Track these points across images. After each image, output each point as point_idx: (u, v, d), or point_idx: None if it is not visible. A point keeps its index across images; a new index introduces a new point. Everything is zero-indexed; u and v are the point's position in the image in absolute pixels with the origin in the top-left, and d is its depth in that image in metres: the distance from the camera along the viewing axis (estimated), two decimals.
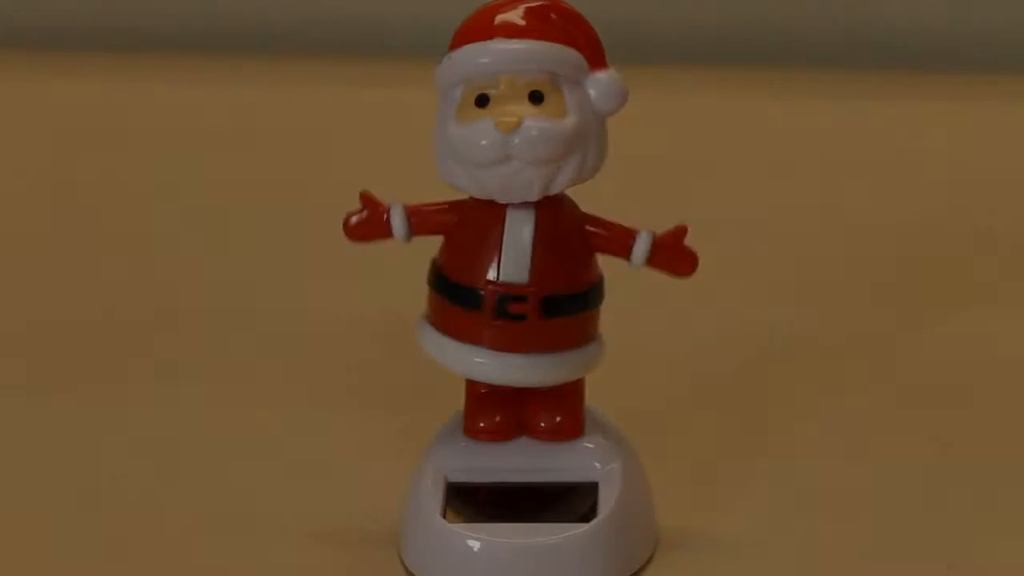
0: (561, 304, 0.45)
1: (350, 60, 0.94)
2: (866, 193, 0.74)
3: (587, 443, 0.47)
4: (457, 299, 0.45)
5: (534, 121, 0.43)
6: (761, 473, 0.51)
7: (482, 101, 0.43)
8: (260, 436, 0.54)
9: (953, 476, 0.51)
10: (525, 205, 0.44)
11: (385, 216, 0.45)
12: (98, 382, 0.59)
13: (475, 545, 0.45)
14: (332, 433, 0.54)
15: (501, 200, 0.44)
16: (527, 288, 0.44)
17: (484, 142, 0.43)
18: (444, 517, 0.45)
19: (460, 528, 0.45)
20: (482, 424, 0.47)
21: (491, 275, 0.44)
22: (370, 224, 0.46)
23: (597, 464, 0.46)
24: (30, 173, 0.81)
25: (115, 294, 0.66)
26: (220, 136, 0.85)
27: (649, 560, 0.47)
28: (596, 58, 0.44)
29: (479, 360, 0.45)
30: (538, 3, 0.44)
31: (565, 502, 0.46)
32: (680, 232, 0.45)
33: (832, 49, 0.91)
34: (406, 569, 0.46)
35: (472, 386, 0.47)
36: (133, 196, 0.77)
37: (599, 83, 0.44)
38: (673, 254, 0.45)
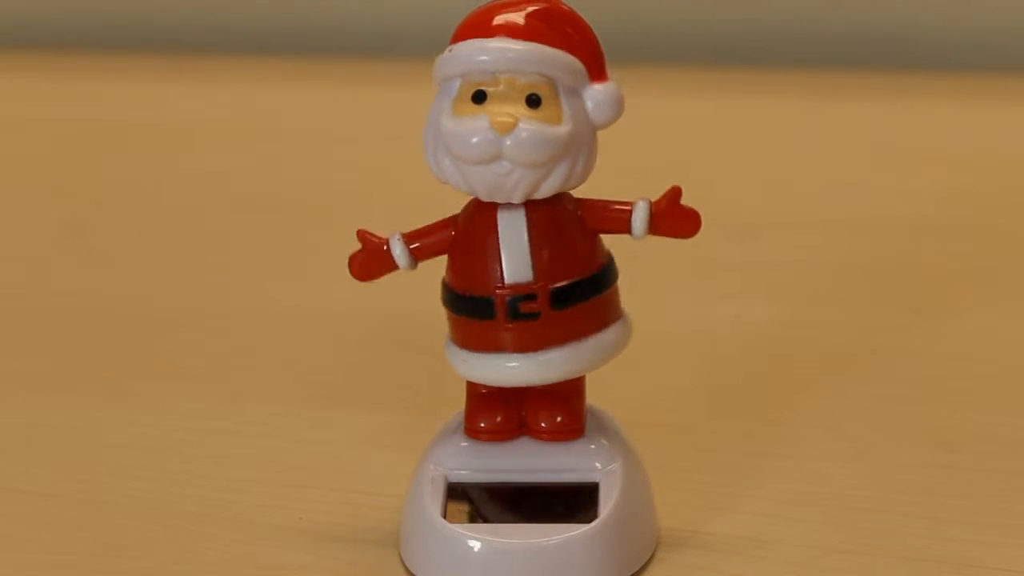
0: (571, 293, 0.44)
1: (350, 60, 0.94)
2: (866, 192, 0.74)
3: (588, 443, 0.47)
4: (471, 312, 0.45)
5: (528, 124, 0.43)
6: (761, 473, 0.51)
7: (479, 98, 0.43)
8: (260, 436, 0.54)
9: (953, 476, 0.51)
10: (514, 205, 0.44)
11: (385, 248, 0.45)
12: (97, 381, 0.59)
13: (475, 545, 0.45)
14: (332, 433, 0.54)
15: (485, 199, 0.44)
16: (534, 285, 0.44)
17: (475, 139, 0.43)
18: (444, 517, 0.45)
19: (460, 528, 0.45)
20: (482, 424, 0.47)
21: (497, 280, 0.44)
22: (373, 261, 0.46)
23: (598, 464, 0.46)
24: (29, 172, 0.81)
25: (114, 293, 0.66)
26: (220, 136, 0.85)
27: (649, 560, 0.47)
28: (597, 69, 0.44)
29: (511, 365, 0.45)
30: (545, 7, 0.44)
31: (565, 502, 0.46)
32: (675, 193, 0.45)
33: (832, 49, 0.91)
34: (406, 569, 0.46)
35: (472, 386, 0.47)
36: (133, 195, 0.77)
37: (597, 94, 0.44)
38: (673, 216, 0.45)
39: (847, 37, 0.91)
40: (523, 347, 0.45)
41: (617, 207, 0.45)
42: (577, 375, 0.46)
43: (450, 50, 0.44)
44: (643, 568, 0.46)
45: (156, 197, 0.76)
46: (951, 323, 0.60)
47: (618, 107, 0.44)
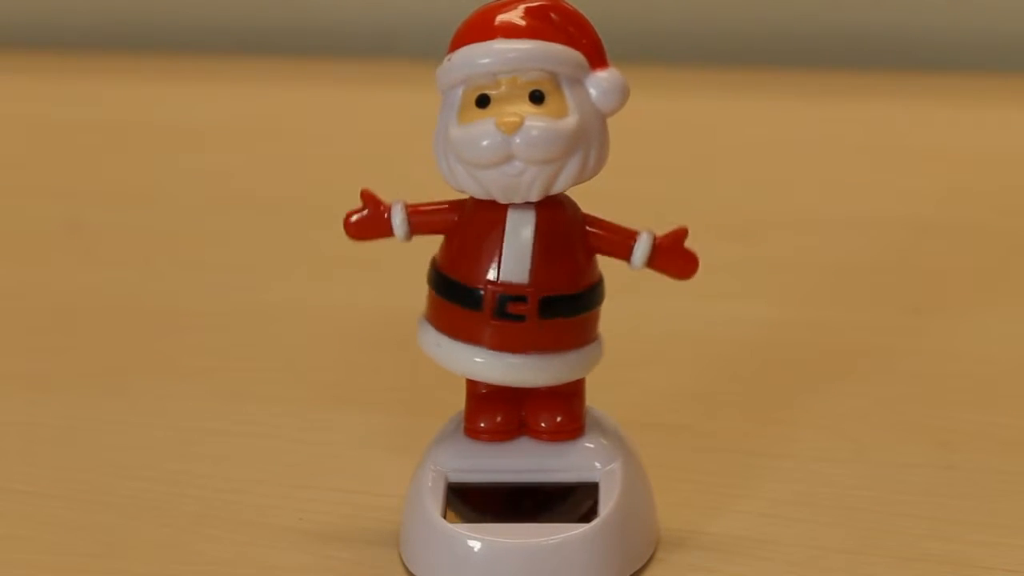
0: (560, 305, 0.45)
1: (350, 60, 0.94)
2: (866, 192, 0.74)
3: (587, 443, 0.47)
4: (457, 299, 0.45)
5: (535, 121, 0.43)
6: (761, 473, 0.51)
7: (483, 102, 0.43)
8: (260, 436, 0.54)
9: (953, 476, 0.51)
10: (526, 205, 0.44)
11: (386, 215, 0.45)
12: (98, 381, 0.59)
13: (475, 545, 0.45)
14: (332, 433, 0.54)
15: (503, 200, 0.44)
16: (527, 288, 0.44)
17: (485, 143, 0.43)
18: (444, 517, 0.45)
19: (460, 528, 0.45)
20: (482, 424, 0.47)
21: (491, 275, 0.44)
22: (370, 223, 0.46)
23: (597, 464, 0.46)
24: (29, 172, 0.81)
25: (114, 293, 0.66)
26: (220, 136, 0.85)
27: (649, 560, 0.47)
28: (597, 57, 0.44)
29: (478, 360, 0.45)
30: (538, 3, 0.44)
31: (565, 502, 0.46)
32: (680, 234, 0.45)
33: (832, 49, 0.91)
34: (406, 569, 0.46)
35: (472, 386, 0.47)
36: (133, 195, 0.77)
37: (600, 82, 0.44)
38: (673, 256, 0.45)
39: (847, 37, 0.91)
40: (499, 346, 0.45)
41: (621, 233, 0.45)
42: (539, 385, 0.46)
43: (448, 59, 0.44)
44: (643, 568, 0.46)
45: (156, 197, 0.76)
46: (951, 323, 0.60)
47: (623, 92, 0.44)
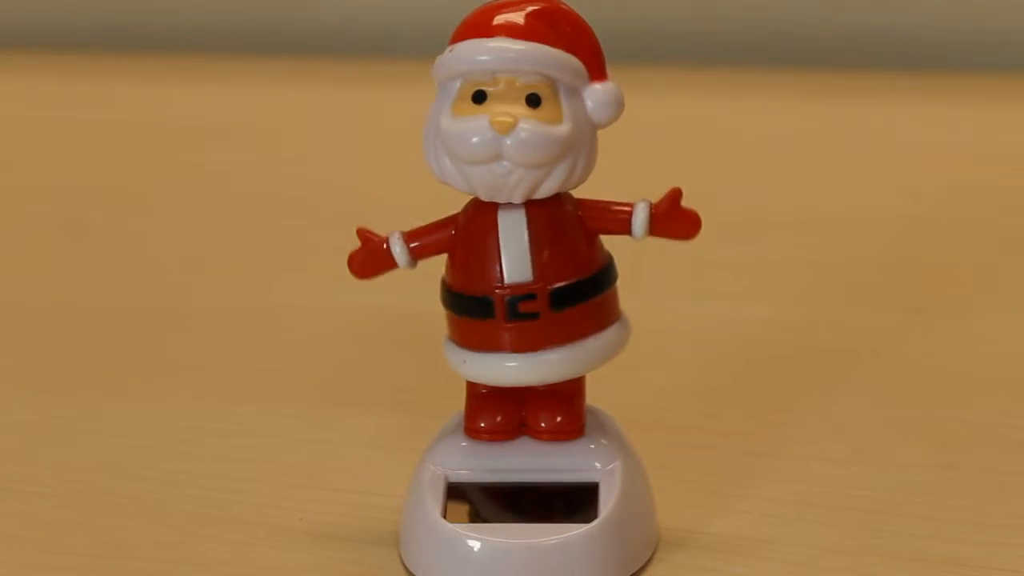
0: (571, 294, 0.44)
1: (350, 60, 0.94)
2: (866, 192, 0.74)
3: (587, 443, 0.47)
4: (470, 311, 0.45)
5: (528, 124, 0.43)
6: (761, 473, 0.51)
7: (479, 98, 0.43)
8: (260, 436, 0.54)
9: (953, 476, 0.51)
10: (514, 205, 0.44)
11: (384, 246, 0.45)
12: (98, 381, 0.59)
13: (475, 545, 0.45)
14: (332, 433, 0.54)
15: (486, 199, 0.44)
16: (533, 285, 0.44)
17: (476, 139, 0.43)
18: (444, 517, 0.45)
19: (460, 528, 0.45)
20: (482, 424, 0.47)
21: (496, 280, 0.44)
22: (372, 259, 0.46)
23: (597, 464, 0.46)
24: (29, 172, 0.81)
25: (114, 293, 0.66)
26: (220, 136, 0.85)
27: (649, 560, 0.47)
28: (596, 69, 0.44)
29: (510, 365, 0.45)
30: (545, 7, 0.44)
31: (565, 502, 0.46)
32: (675, 195, 0.45)
33: (832, 49, 0.91)
34: (406, 569, 0.47)
35: (472, 386, 0.47)
36: (133, 195, 0.77)
37: (597, 94, 0.44)
38: (673, 219, 0.45)
39: (847, 37, 0.91)
40: (522, 347, 0.45)
41: (617, 208, 0.45)
42: (576, 375, 0.46)
43: (450, 50, 0.44)
44: (643, 568, 0.46)
45: (156, 197, 0.76)
46: (951, 323, 0.60)
47: (618, 106, 0.44)
